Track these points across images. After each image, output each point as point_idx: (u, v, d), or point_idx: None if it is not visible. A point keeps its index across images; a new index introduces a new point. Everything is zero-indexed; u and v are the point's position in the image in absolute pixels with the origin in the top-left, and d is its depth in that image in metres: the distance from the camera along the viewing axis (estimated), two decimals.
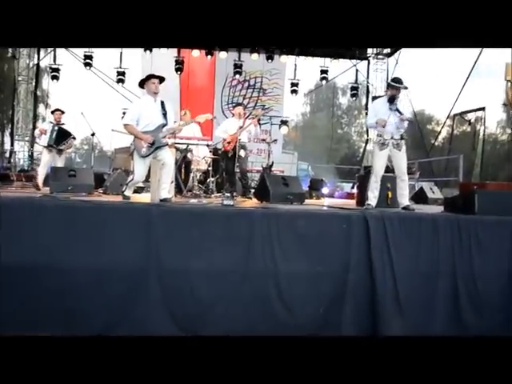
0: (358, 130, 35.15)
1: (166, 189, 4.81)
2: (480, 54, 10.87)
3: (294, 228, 4.06)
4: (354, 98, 14.72)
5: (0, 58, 20.66)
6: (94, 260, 3.71)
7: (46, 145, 7.83)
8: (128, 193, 5.15)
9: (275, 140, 9.39)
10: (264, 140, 8.46)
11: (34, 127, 11.77)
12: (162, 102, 5.11)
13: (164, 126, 5.02)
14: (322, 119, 36.40)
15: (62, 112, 8.12)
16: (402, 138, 5.52)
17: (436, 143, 24.16)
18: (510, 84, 5.45)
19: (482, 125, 11.16)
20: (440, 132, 15.27)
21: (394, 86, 5.49)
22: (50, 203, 3.93)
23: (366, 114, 13.74)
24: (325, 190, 10.12)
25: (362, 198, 6.09)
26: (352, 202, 7.05)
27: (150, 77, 5.12)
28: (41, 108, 18.11)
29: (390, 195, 5.98)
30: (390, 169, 5.85)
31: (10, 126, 16.76)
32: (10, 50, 18.84)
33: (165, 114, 5.03)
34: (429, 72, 32.88)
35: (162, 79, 5.19)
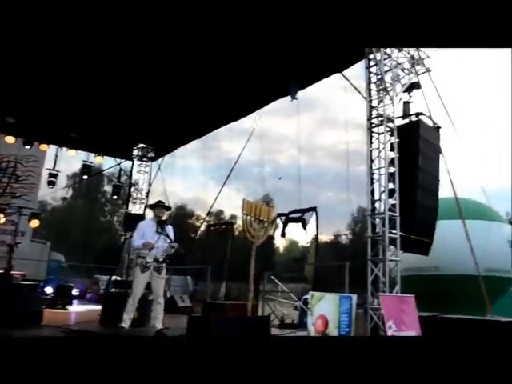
0: (121, 220, 34.51)
1: None
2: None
3: None
4: (116, 197, 14.66)
5: None
6: None
7: None
8: None
9: (20, 242, 8.70)
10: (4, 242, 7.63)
11: None
12: None
13: None
14: (84, 206, 34.72)
15: None
16: (164, 261, 5.60)
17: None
18: (245, 217, 6.22)
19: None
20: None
21: (159, 206, 5.77)
22: None
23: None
24: (75, 292, 10.51)
25: (106, 317, 5.88)
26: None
27: None
28: None
29: (136, 315, 5.91)
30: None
31: None
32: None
33: None
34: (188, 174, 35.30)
35: None
